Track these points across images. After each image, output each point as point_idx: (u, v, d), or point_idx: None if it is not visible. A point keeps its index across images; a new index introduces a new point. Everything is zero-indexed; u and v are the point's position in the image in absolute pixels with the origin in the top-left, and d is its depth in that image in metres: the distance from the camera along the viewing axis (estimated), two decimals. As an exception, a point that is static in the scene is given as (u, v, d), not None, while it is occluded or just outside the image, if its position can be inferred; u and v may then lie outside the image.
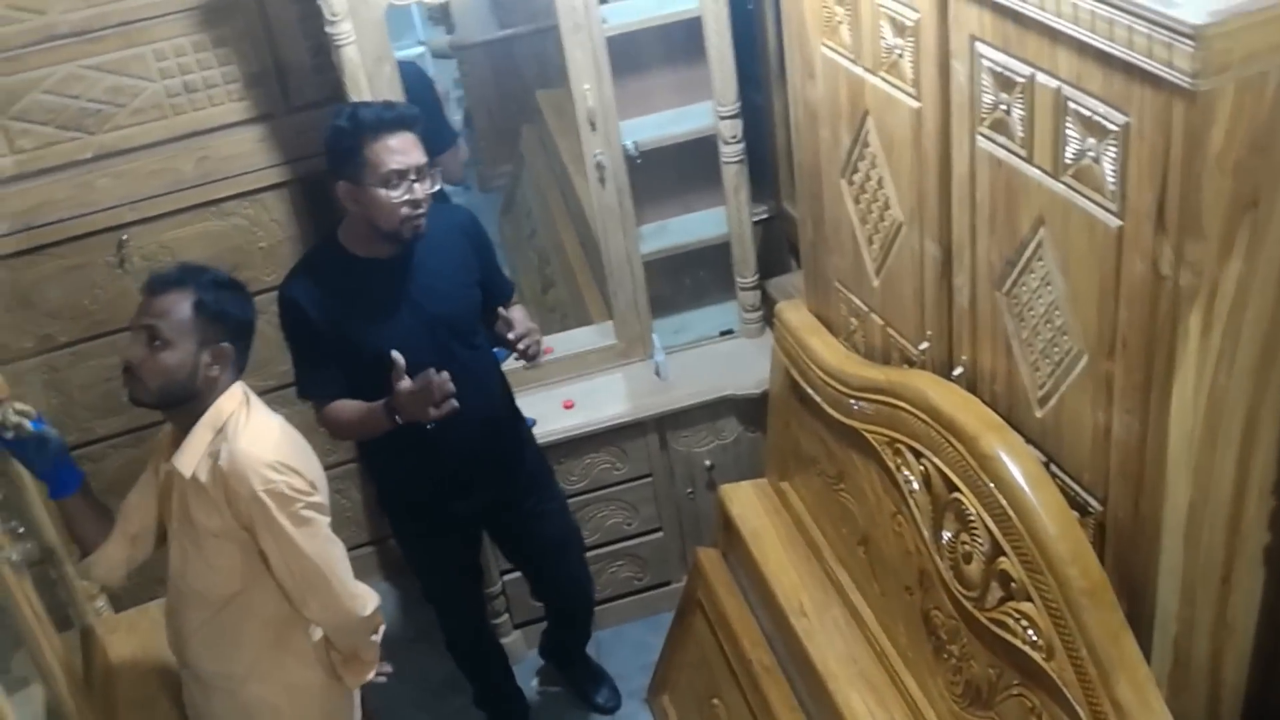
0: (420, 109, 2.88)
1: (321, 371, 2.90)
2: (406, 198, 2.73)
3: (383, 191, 2.72)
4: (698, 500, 3.82)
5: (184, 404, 2.42)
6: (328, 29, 3.07)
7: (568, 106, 3.49)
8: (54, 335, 3.62)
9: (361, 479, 4.07)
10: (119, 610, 3.20)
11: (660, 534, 3.88)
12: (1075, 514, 1.99)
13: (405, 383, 2.73)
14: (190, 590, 2.55)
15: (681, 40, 3.49)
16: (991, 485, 2.04)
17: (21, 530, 2.60)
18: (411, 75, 3.23)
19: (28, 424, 2.45)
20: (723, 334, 3.86)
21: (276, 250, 3.67)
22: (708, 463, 3.75)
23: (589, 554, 3.64)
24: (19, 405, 2.48)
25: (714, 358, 3.78)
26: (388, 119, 2.74)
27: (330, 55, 3.17)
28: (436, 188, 2.81)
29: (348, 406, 2.89)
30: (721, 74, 3.39)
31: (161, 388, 2.38)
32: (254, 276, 3.61)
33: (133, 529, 2.60)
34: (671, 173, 3.69)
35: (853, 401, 2.54)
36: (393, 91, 3.17)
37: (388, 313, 2.86)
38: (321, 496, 2.48)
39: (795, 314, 2.94)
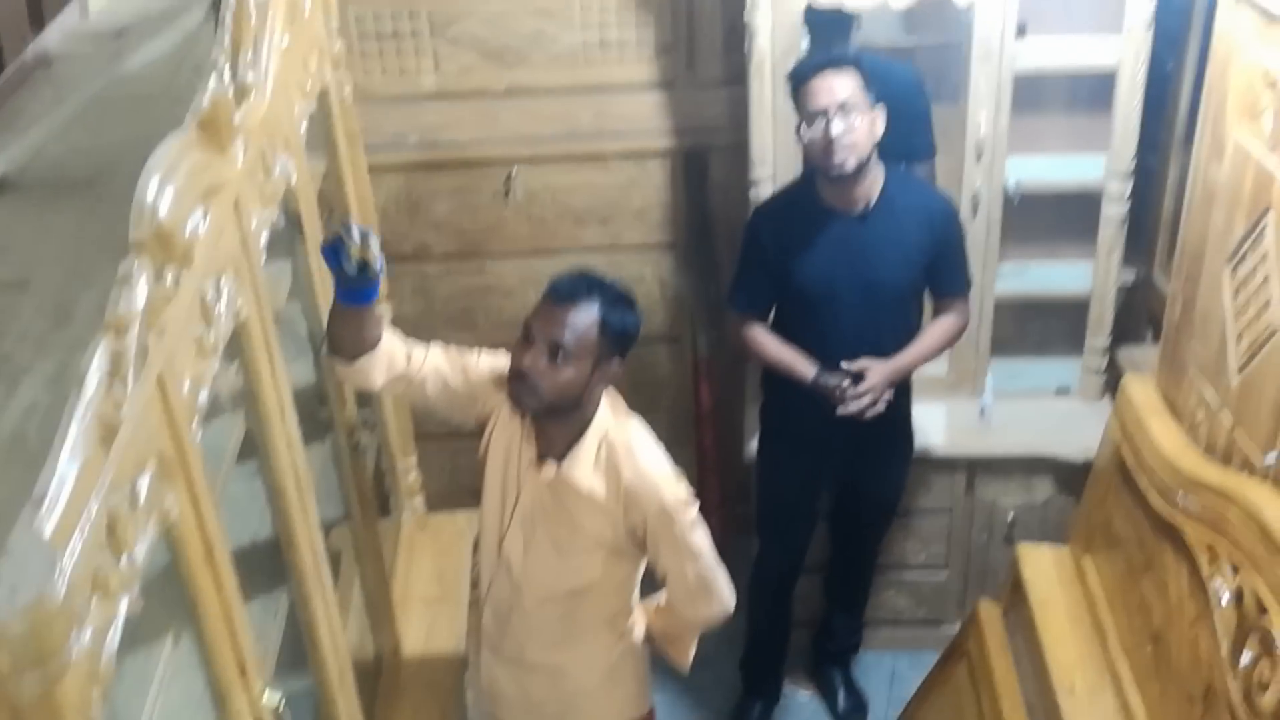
0: (903, 116, 3.03)
1: (752, 290, 3.20)
2: (817, 136, 2.90)
3: (803, 128, 2.94)
4: (990, 551, 3.75)
5: (564, 413, 2.41)
6: (746, 16, 3.19)
7: (953, 127, 3.46)
8: (430, 246, 3.88)
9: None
10: (431, 510, 3.42)
11: (944, 572, 3.85)
12: (1396, 674, 1.87)
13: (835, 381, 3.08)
14: (532, 581, 2.56)
15: (1087, 88, 3.43)
16: (1309, 620, 1.94)
17: (372, 422, 2.84)
18: (899, 78, 3.18)
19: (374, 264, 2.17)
20: (1058, 391, 3.77)
21: (646, 213, 3.81)
22: (1010, 516, 3.68)
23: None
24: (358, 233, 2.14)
25: (1043, 413, 3.70)
26: (808, 66, 2.96)
27: (742, 39, 3.28)
28: (854, 124, 2.88)
29: (775, 343, 3.17)
30: (1124, 131, 3.30)
31: (554, 401, 2.35)
32: (618, 233, 3.79)
33: (423, 375, 2.51)
34: (1044, 217, 3.61)
35: (1180, 494, 2.45)
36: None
37: (828, 262, 3.07)
38: None
39: (1141, 390, 2.83)
